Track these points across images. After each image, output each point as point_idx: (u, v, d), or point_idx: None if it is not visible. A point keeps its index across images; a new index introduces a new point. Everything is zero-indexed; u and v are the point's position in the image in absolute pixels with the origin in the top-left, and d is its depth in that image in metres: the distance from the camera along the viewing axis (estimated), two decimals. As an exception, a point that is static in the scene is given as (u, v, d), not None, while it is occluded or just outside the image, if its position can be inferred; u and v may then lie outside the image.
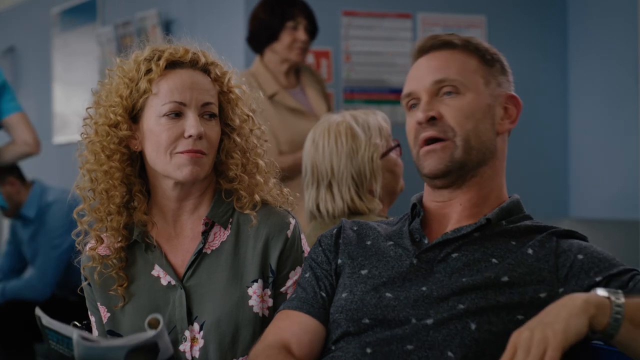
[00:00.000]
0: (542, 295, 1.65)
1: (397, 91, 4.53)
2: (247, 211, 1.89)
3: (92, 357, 1.44)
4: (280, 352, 1.71)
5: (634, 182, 4.40)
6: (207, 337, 1.84)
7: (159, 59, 1.86)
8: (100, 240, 1.90)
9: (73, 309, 4.25)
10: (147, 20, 5.04)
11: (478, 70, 1.79)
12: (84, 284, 1.96)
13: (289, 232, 1.89)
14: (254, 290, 1.86)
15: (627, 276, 1.64)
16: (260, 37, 3.79)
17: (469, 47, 1.80)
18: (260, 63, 3.79)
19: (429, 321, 1.64)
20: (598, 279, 1.64)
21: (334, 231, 1.85)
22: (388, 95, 4.49)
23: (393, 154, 2.56)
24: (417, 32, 4.56)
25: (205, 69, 1.89)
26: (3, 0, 7.15)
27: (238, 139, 1.91)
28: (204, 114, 1.86)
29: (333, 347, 1.71)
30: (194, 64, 1.88)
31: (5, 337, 4.31)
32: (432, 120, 1.74)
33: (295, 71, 3.86)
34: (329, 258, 1.81)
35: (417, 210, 1.80)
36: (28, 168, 4.79)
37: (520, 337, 1.49)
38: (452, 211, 1.78)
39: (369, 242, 1.81)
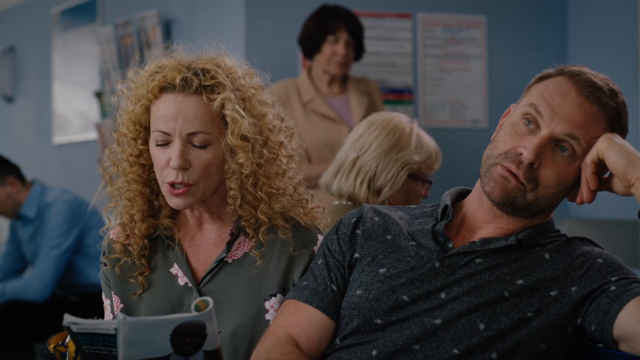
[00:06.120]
0: (553, 293, 1.64)
1: (397, 91, 4.53)
2: (277, 222, 1.83)
3: (138, 336, 1.42)
4: (293, 350, 1.69)
5: (634, 182, 4.38)
6: (222, 349, 1.76)
7: (153, 80, 1.79)
8: (124, 229, 1.89)
9: (73, 309, 4.26)
10: (147, 20, 5.03)
11: (599, 135, 1.66)
12: (101, 269, 1.93)
13: (316, 248, 1.86)
14: (272, 304, 1.82)
15: None
16: (305, 46, 3.98)
17: (614, 121, 1.68)
18: (305, 70, 4.01)
19: (437, 321, 1.63)
20: (614, 278, 1.62)
21: (353, 220, 1.81)
22: (388, 95, 4.48)
23: (420, 185, 2.56)
24: (417, 32, 4.56)
25: (200, 91, 1.78)
26: (3, 0, 7.14)
27: (243, 159, 1.79)
28: (192, 142, 1.78)
29: (340, 343, 1.70)
30: (185, 87, 1.78)
31: (5, 337, 4.31)
32: (531, 165, 1.65)
33: (342, 80, 4.00)
34: (343, 249, 1.78)
35: (448, 213, 1.76)
36: (28, 168, 4.80)
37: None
38: (488, 227, 1.74)
39: (389, 237, 1.77)
